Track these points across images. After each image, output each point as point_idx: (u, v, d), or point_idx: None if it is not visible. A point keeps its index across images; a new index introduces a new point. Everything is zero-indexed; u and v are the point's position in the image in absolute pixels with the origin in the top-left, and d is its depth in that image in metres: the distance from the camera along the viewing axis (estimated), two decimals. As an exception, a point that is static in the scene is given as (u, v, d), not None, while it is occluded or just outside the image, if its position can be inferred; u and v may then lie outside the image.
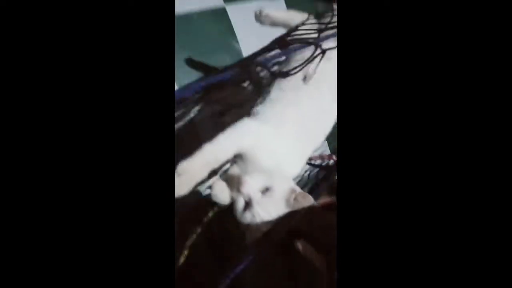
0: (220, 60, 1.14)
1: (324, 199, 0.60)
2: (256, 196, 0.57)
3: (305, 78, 0.68)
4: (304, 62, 0.68)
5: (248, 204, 0.58)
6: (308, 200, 0.57)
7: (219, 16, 1.20)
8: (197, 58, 1.07)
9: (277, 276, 0.49)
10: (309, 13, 0.81)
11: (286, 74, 0.69)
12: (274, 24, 0.82)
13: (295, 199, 0.57)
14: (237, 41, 1.22)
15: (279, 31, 0.80)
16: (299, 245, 0.48)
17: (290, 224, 0.51)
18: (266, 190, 0.58)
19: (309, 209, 0.54)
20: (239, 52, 1.22)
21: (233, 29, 1.22)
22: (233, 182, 0.62)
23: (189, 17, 1.11)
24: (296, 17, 0.81)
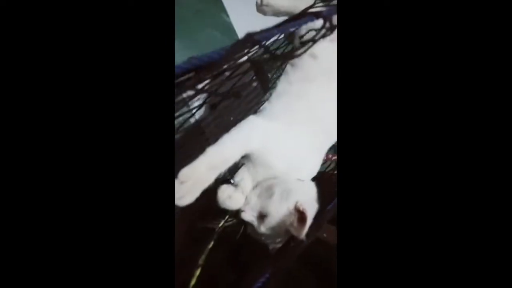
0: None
1: None
2: (255, 223, 0.57)
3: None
4: (314, 36, 0.61)
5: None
6: (300, 233, 0.51)
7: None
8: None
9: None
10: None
11: (291, 56, 0.62)
12: (277, 13, 0.73)
13: (291, 225, 0.52)
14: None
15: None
16: None
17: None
18: (263, 217, 0.56)
19: None
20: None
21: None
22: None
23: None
24: (300, 4, 0.74)
